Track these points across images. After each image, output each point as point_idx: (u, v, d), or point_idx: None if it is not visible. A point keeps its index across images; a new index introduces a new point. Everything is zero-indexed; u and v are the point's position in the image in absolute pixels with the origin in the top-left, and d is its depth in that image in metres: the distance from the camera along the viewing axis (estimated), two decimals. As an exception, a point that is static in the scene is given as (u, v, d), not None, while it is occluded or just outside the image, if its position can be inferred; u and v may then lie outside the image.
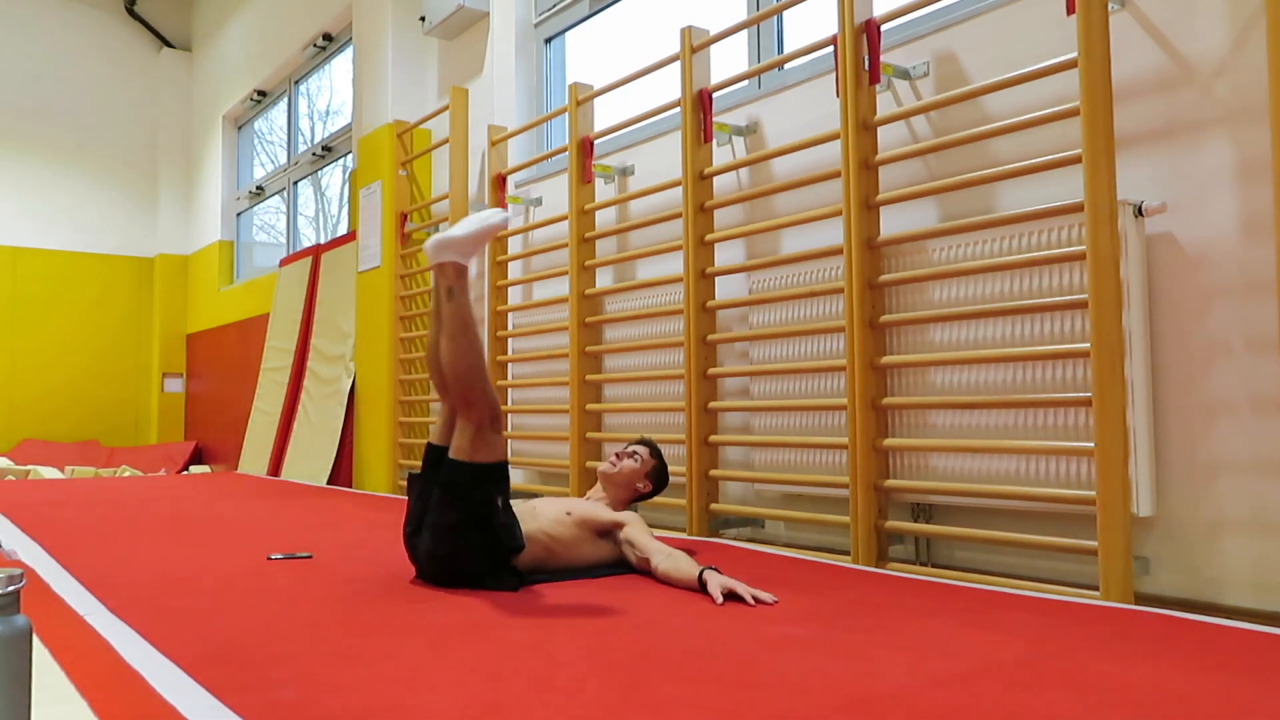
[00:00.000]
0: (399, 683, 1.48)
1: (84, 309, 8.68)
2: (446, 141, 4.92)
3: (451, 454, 2.30)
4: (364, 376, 5.51)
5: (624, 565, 2.47)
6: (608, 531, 2.49)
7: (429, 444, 2.44)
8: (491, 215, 2.32)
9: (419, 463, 5.02)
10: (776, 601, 2.06)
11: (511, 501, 2.36)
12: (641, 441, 2.76)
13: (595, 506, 2.58)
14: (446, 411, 2.43)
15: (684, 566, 2.26)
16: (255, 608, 2.06)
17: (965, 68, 2.80)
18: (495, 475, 2.28)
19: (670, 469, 3.38)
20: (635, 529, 2.47)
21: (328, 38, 6.79)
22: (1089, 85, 2.25)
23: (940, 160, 2.83)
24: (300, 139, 7.60)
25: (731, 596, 2.08)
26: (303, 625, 1.89)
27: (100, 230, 8.81)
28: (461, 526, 2.26)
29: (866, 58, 2.83)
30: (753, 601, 2.04)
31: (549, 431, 4.16)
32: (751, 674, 1.52)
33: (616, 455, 2.71)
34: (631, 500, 2.70)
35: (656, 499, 3.47)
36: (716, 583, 2.11)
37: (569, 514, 2.48)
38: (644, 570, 2.39)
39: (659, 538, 2.50)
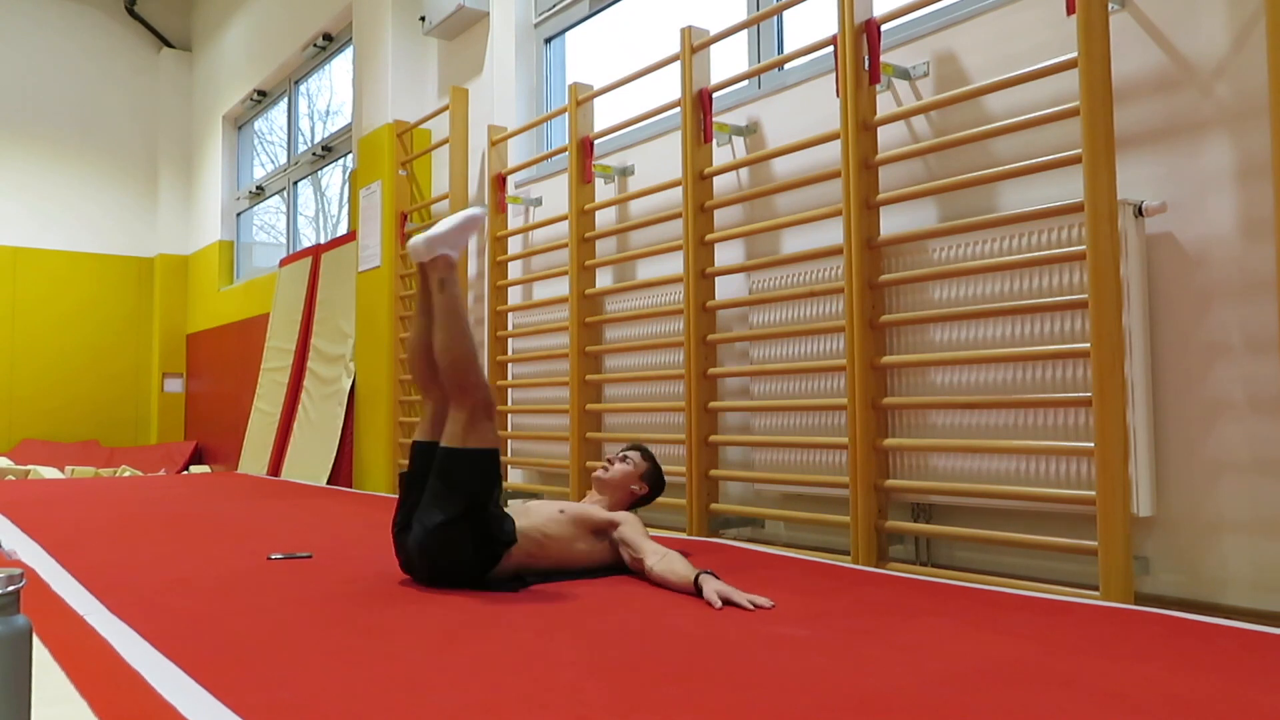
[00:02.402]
0: (399, 683, 1.48)
1: (84, 309, 8.67)
2: (446, 141, 4.92)
3: (444, 442, 2.31)
4: (364, 376, 5.51)
5: (621, 568, 2.45)
6: (603, 531, 2.47)
7: (415, 441, 2.44)
8: (473, 210, 2.46)
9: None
10: (774, 606, 2.05)
11: (505, 501, 2.34)
12: (634, 447, 2.76)
13: (590, 506, 2.57)
14: (433, 407, 2.44)
15: (679, 569, 2.23)
16: (255, 608, 2.06)
17: (965, 68, 2.80)
18: (489, 462, 2.30)
19: (670, 469, 3.39)
20: (630, 528, 2.45)
21: (328, 38, 6.79)
22: (1089, 85, 2.25)
23: (940, 160, 2.83)
24: (300, 139, 7.60)
25: (728, 604, 2.05)
26: (303, 625, 1.89)
27: (100, 230, 8.81)
28: (455, 518, 2.24)
29: (866, 58, 2.83)
30: (751, 607, 2.02)
31: (549, 431, 4.16)
32: (751, 674, 1.52)
33: (609, 460, 2.70)
34: (629, 504, 2.69)
35: (657, 499, 3.48)
36: (713, 588, 2.08)
37: (562, 511, 2.48)
38: (638, 571, 2.36)
39: (655, 538, 2.49)
